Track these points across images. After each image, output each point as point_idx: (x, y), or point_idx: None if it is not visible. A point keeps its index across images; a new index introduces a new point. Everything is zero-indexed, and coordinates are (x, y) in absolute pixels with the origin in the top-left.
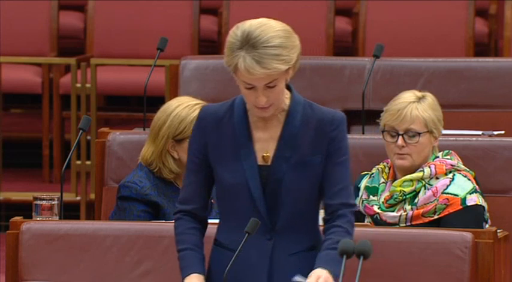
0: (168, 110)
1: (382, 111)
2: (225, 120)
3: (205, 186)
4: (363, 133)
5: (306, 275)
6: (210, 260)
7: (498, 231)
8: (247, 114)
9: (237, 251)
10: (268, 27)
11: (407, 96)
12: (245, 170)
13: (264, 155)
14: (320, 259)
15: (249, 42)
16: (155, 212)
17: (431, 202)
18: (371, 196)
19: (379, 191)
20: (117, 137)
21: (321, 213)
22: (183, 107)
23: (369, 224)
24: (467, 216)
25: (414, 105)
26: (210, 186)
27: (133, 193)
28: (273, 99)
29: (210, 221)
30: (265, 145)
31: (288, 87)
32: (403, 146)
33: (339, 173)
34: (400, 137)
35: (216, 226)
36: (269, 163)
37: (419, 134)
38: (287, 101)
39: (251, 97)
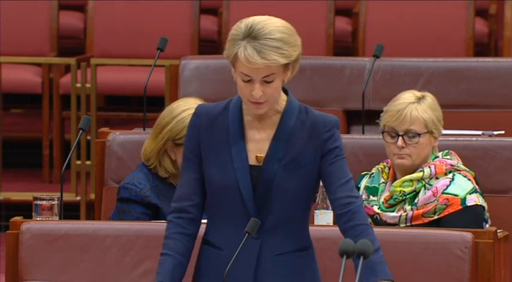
0: (174, 111)
1: (382, 111)
2: (219, 120)
3: (201, 184)
4: (363, 133)
5: (293, 275)
6: (199, 259)
7: (498, 231)
8: (242, 113)
9: (236, 253)
10: (272, 22)
11: (407, 96)
12: (235, 170)
13: (258, 155)
14: (374, 268)
15: (252, 34)
16: (154, 214)
17: (431, 202)
18: (371, 196)
19: (379, 191)
20: (117, 137)
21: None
22: (189, 113)
23: None
24: (467, 217)
25: (414, 106)
26: (203, 184)
27: (133, 195)
28: (268, 96)
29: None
30: (259, 145)
31: (285, 91)
32: (403, 147)
33: (339, 168)
34: (400, 138)
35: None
36: (261, 164)
37: (419, 134)
38: (283, 104)
39: (247, 90)
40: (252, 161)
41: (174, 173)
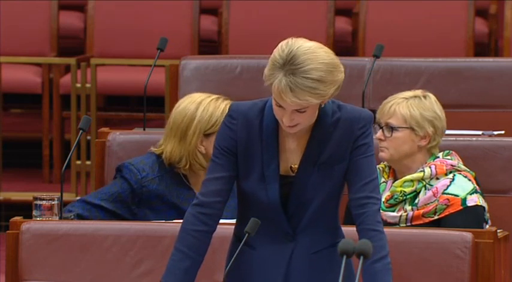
0: (190, 107)
1: None
2: (255, 125)
3: (230, 183)
4: None
5: (327, 270)
6: (230, 254)
7: (498, 231)
8: (278, 121)
9: (234, 255)
10: (315, 57)
11: (405, 94)
12: (265, 177)
13: (293, 166)
14: (375, 277)
15: (291, 67)
16: (136, 205)
17: (432, 202)
18: None
19: (380, 191)
20: (117, 137)
21: None
22: (208, 102)
23: None
24: (467, 217)
25: (400, 101)
26: (233, 183)
27: (133, 180)
28: (300, 121)
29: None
30: (293, 154)
31: None
32: (381, 139)
33: (364, 166)
34: (380, 130)
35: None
36: (294, 174)
37: (395, 128)
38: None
39: (279, 113)
40: (285, 171)
41: (206, 166)
